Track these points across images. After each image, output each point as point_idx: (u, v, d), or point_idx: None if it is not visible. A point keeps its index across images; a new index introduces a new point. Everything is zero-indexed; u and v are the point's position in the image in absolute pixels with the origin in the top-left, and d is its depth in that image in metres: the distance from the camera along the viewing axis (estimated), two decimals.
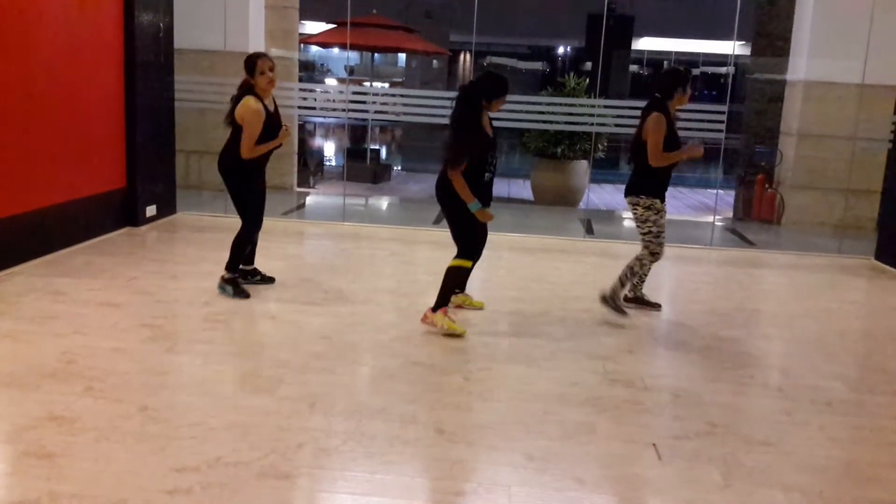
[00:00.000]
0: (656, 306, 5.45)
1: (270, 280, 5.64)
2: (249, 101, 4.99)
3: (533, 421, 3.59)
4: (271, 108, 5.18)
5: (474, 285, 4.87)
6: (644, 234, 5.09)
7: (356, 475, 3.02)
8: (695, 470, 3.20)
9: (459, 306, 5.18)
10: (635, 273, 5.18)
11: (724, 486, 3.08)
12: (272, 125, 5.13)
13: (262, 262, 5.68)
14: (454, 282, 4.82)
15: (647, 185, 5.02)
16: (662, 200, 5.08)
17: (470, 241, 4.78)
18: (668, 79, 5.01)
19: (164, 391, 3.72)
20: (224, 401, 3.66)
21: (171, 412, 3.48)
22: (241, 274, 5.41)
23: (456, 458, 3.20)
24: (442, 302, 4.74)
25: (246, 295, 5.24)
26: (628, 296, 5.40)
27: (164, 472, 2.95)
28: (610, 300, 5.15)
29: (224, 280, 5.27)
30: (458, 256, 4.78)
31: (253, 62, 5.03)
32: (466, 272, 4.91)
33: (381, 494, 2.89)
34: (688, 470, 3.19)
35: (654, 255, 5.12)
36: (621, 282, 5.17)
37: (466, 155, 4.54)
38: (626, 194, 5.14)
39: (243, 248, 5.30)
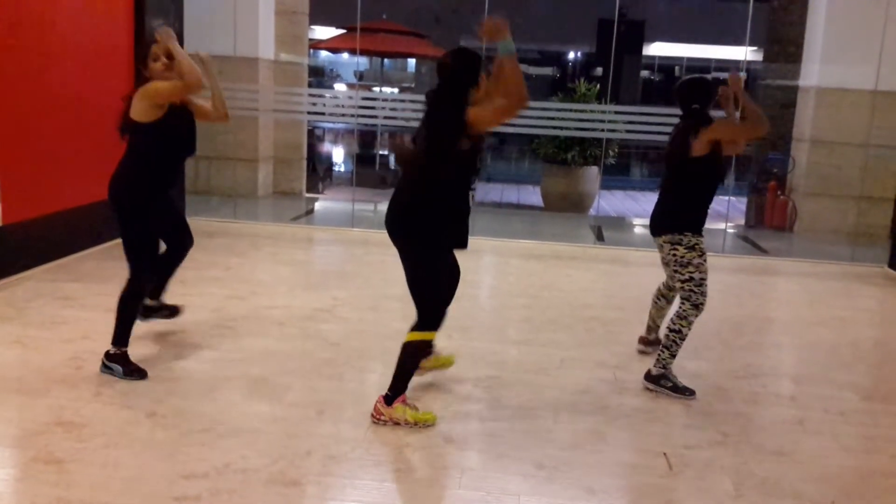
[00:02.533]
0: (658, 343, 4.46)
1: (176, 312, 4.58)
2: (148, 86, 3.92)
3: (542, 429, 3.56)
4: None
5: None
6: (684, 281, 4.06)
7: (365, 483, 3.00)
8: (706, 480, 3.16)
9: (430, 369, 4.00)
10: (684, 336, 4.08)
11: (736, 495, 3.05)
12: (175, 124, 4.02)
13: (270, 269, 5.67)
14: (416, 362, 3.59)
15: (691, 219, 4.07)
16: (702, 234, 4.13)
17: (437, 302, 3.52)
18: (704, 87, 4.17)
19: (172, 397, 3.71)
20: (232, 407, 3.65)
21: (179, 418, 3.47)
22: (144, 311, 4.30)
23: (465, 466, 3.18)
24: (401, 388, 3.52)
25: (141, 375, 3.92)
26: (648, 338, 4.69)
27: (173, 479, 2.94)
28: (663, 380, 4.08)
29: (109, 357, 3.96)
30: (418, 327, 3.51)
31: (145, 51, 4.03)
32: (429, 346, 3.72)
33: (390, 502, 2.87)
34: (699, 480, 3.16)
35: (698, 308, 4.06)
36: (670, 352, 4.08)
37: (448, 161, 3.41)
38: (661, 232, 4.14)
39: (136, 307, 4.06)
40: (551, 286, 6.27)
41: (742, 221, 10.59)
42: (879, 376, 4.65)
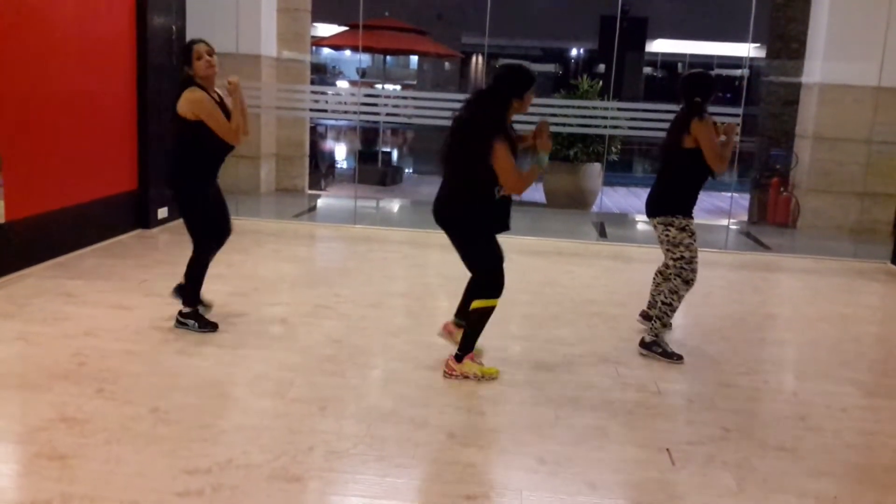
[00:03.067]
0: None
1: (206, 306, 4.85)
2: (193, 94, 4.31)
3: (545, 425, 3.56)
4: (218, 99, 4.49)
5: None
6: (676, 259, 4.47)
7: (367, 478, 3.00)
8: (708, 475, 3.16)
9: (451, 333, 4.32)
10: (675, 309, 4.52)
11: (738, 491, 3.05)
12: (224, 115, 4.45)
13: (272, 266, 5.69)
14: (481, 325, 4.04)
15: (682, 203, 4.45)
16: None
17: (491, 275, 3.95)
18: (706, 81, 4.48)
19: (175, 393, 3.72)
20: (235, 403, 3.66)
21: (182, 414, 3.48)
22: (177, 289, 4.77)
23: (467, 461, 3.18)
24: (469, 347, 4.06)
25: (212, 328, 4.60)
26: (648, 312, 4.95)
27: (175, 474, 2.94)
28: (655, 346, 4.53)
29: (182, 315, 4.61)
30: (480, 296, 3.97)
31: (189, 48, 4.38)
32: (492, 311, 4.02)
33: (392, 498, 2.87)
34: (701, 475, 3.16)
35: (688, 284, 4.48)
36: (662, 322, 4.54)
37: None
38: (655, 213, 4.53)
39: (201, 271, 4.63)
40: (554, 282, 6.27)
41: (745, 217, 10.58)
42: (881, 372, 4.65)
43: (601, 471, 3.16)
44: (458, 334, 4.18)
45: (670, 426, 3.65)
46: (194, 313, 4.61)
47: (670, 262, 4.54)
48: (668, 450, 3.37)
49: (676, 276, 4.50)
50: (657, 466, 3.22)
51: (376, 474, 3.04)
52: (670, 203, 4.48)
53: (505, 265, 4.00)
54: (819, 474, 3.22)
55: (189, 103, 4.31)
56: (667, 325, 4.60)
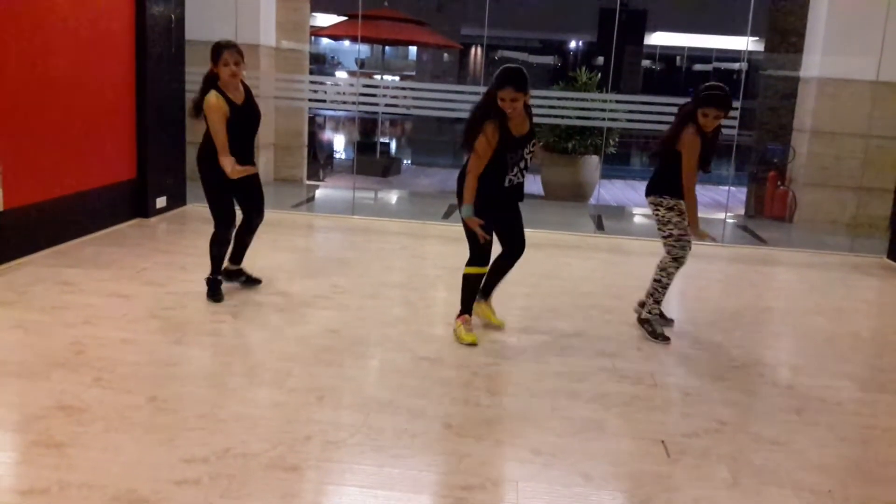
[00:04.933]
0: (669, 322, 5.05)
1: (256, 282, 5.35)
2: (210, 99, 4.66)
3: (541, 417, 3.58)
4: (238, 100, 4.79)
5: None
6: (665, 237, 4.73)
7: (364, 468, 3.02)
8: (703, 468, 3.18)
9: (477, 315, 4.79)
10: (665, 285, 4.76)
11: (733, 484, 3.06)
12: (238, 120, 4.76)
13: (270, 255, 5.69)
14: (469, 290, 4.60)
15: (672, 186, 4.67)
16: None
17: (479, 247, 4.47)
18: (704, 94, 4.50)
19: (172, 382, 3.73)
20: (232, 392, 3.67)
21: (179, 403, 3.49)
22: (226, 275, 5.18)
23: (464, 452, 3.19)
24: (463, 310, 4.60)
25: (216, 298, 4.99)
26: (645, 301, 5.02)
27: (173, 463, 2.95)
28: (647, 324, 4.81)
29: (206, 280, 5.07)
30: (469, 263, 4.57)
31: (219, 51, 4.71)
32: (478, 279, 4.61)
33: (389, 488, 2.89)
34: (696, 468, 3.18)
35: (678, 261, 4.71)
36: (654, 299, 4.81)
37: (472, 140, 4.22)
38: (648, 194, 4.83)
39: (218, 248, 5.01)
40: (551, 275, 6.28)
41: (742, 211, 10.59)
42: (877, 366, 4.67)
43: (596, 462, 3.17)
44: (477, 308, 4.73)
45: (666, 418, 3.67)
46: (212, 281, 5.03)
47: (661, 242, 4.78)
48: (663, 442, 3.38)
49: (667, 254, 4.74)
50: (652, 458, 3.24)
51: (373, 464, 3.05)
52: (661, 185, 4.72)
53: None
54: (814, 468, 3.24)
55: (206, 105, 4.67)
56: (659, 302, 4.82)
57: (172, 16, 7.42)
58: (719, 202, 12.27)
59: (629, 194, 13.73)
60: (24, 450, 3.03)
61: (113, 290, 5.10)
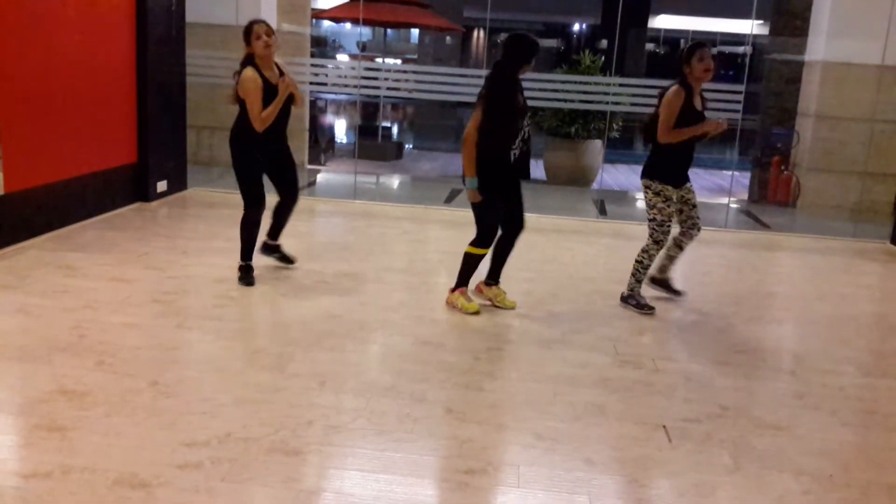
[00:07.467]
0: (679, 293, 5.26)
1: (289, 261, 5.46)
2: (245, 73, 4.79)
3: (543, 401, 3.58)
4: (274, 80, 4.89)
5: (483, 266, 4.82)
6: (650, 220, 4.85)
7: (365, 452, 3.02)
8: (705, 453, 3.18)
9: (490, 300, 4.91)
10: (646, 266, 4.94)
11: (735, 468, 3.06)
12: (272, 100, 4.88)
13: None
14: (469, 268, 4.75)
15: (662, 170, 4.77)
16: (678, 186, 4.85)
17: (485, 229, 4.66)
18: (686, 52, 4.73)
19: (174, 366, 3.73)
20: (234, 377, 3.67)
21: (181, 387, 3.49)
22: (263, 248, 5.32)
23: (465, 437, 3.19)
24: (460, 283, 4.77)
25: (248, 283, 5.02)
26: (656, 276, 5.22)
27: (175, 447, 2.96)
28: (630, 299, 4.98)
29: (239, 268, 5.11)
30: (473, 244, 4.71)
31: (249, 27, 4.81)
32: (479, 260, 4.75)
33: (391, 472, 2.89)
34: (698, 452, 3.18)
35: (658, 244, 4.86)
36: (636, 278, 4.97)
37: (495, 124, 4.43)
38: (642, 175, 4.89)
39: (248, 231, 5.07)
40: (553, 260, 6.27)
41: (745, 196, 10.57)
42: (879, 352, 4.66)
43: (598, 447, 3.17)
44: (489, 292, 4.89)
45: (668, 403, 3.67)
46: (242, 267, 5.07)
47: (647, 224, 4.89)
48: (665, 427, 3.38)
49: (649, 237, 4.86)
50: (654, 443, 3.24)
51: (375, 448, 3.05)
52: (651, 169, 4.81)
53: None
54: (816, 452, 3.24)
55: (241, 78, 4.77)
56: (640, 281, 4.98)
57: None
58: (723, 187, 12.24)
59: (632, 179, 13.69)
60: (26, 434, 3.03)
61: (114, 274, 5.10)
